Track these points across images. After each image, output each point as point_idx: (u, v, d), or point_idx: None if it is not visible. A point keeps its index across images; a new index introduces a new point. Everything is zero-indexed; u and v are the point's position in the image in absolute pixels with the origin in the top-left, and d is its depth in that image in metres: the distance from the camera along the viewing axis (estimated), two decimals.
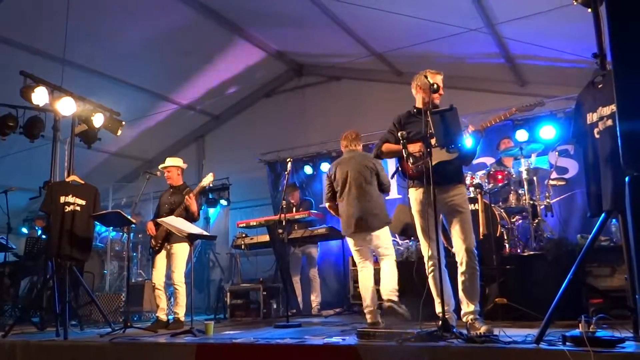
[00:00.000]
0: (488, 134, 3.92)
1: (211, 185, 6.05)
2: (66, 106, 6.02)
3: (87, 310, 6.65)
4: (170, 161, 5.90)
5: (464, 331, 3.31)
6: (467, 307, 3.67)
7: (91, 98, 6.59)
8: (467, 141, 3.81)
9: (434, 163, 3.66)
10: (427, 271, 3.78)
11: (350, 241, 5.04)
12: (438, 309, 3.59)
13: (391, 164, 8.19)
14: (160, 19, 7.33)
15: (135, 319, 6.92)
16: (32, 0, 6.36)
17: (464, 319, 3.67)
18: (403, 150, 3.76)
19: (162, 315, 5.54)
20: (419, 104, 4.01)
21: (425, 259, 3.79)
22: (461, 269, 3.71)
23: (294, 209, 7.45)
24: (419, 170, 3.76)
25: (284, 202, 5.74)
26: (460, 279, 3.72)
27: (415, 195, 3.90)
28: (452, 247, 3.96)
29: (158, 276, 5.57)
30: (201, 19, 7.51)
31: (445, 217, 3.86)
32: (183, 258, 5.57)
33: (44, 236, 7.92)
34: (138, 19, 7.21)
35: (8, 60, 6.94)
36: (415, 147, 3.81)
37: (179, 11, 7.23)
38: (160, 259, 5.61)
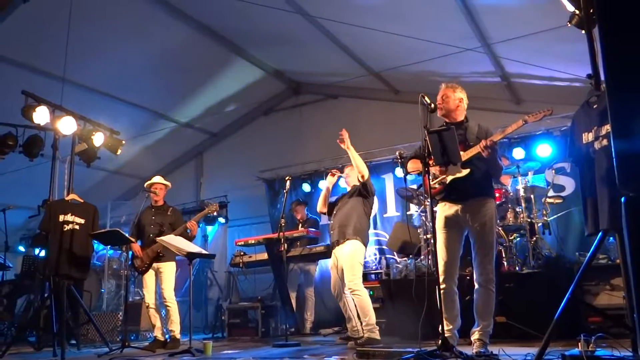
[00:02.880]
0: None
1: (215, 214, 6.14)
2: (67, 125, 6.06)
3: (85, 329, 6.60)
4: (160, 179, 5.93)
5: (465, 350, 3.30)
6: (476, 325, 3.65)
7: (90, 116, 6.63)
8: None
9: (448, 180, 3.71)
10: (438, 287, 3.74)
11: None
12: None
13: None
14: (160, 38, 7.41)
15: (132, 338, 6.87)
16: (33, 20, 6.42)
17: (472, 338, 3.66)
18: (402, 168, 3.87)
19: (159, 335, 5.51)
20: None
21: (439, 276, 3.76)
22: (476, 286, 3.69)
23: (300, 225, 7.45)
24: (429, 187, 3.77)
25: (282, 220, 5.75)
26: (475, 296, 3.70)
27: (441, 210, 3.85)
28: (462, 268, 3.93)
29: (150, 296, 5.56)
30: (200, 38, 7.59)
31: (469, 233, 3.79)
32: (172, 275, 5.60)
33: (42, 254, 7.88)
34: (137, 38, 7.29)
35: (9, 80, 6.99)
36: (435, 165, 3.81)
37: (178, 30, 7.32)
38: (150, 277, 5.61)
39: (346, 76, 8.48)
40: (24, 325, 6.56)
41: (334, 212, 5.38)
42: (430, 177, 3.84)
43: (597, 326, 3.99)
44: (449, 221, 3.76)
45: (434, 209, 3.95)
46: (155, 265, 5.58)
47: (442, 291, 3.67)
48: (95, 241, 6.18)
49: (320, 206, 5.55)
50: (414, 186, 6.47)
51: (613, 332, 3.27)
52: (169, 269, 5.59)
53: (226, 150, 10.72)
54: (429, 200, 3.99)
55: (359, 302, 4.93)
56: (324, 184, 5.82)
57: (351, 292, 4.96)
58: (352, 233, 5.05)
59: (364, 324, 4.91)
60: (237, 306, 7.14)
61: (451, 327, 3.62)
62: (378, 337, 4.86)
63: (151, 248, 5.53)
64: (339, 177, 5.65)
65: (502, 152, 6.76)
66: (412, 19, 6.33)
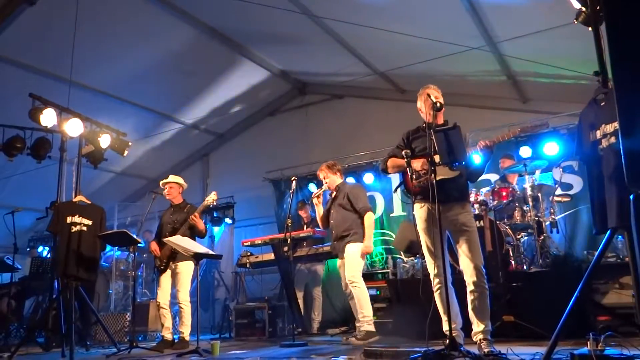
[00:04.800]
0: (494, 151, 3.90)
1: (215, 203, 6.06)
2: (74, 127, 6.10)
3: (93, 330, 6.64)
4: (173, 178, 5.94)
5: (472, 350, 3.29)
6: (477, 326, 3.62)
7: (97, 118, 6.67)
8: (476, 157, 3.81)
9: (437, 178, 3.69)
10: (433, 289, 3.76)
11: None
12: (445, 327, 3.57)
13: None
14: (165, 39, 7.44)
15: (140, 338, 6.90)
16: (41, 24, 6.47)
17: (474, 339, 3.64)
18: (407, 168, 3.79)
19: (167, 335, 5.52)
20: (426, 119, 3.97)
21: (432, 277, 3.78)
22: (470, 288, 3.67)
23: (305, 226, 7.45)
24: (421, 186, 3.76)
25: (289, 220, 5.74)
26: (469, 298, 3.68)
27: (419, 212, 3.89)
28: (458, 264, 3.95)
29: (163, 295, 5.57)
30: (205, 39, 7.61)
31: (451, 235, 3.82)
32: (188, 277, 5.58)
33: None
34: (143, 39, 7.32)
35: (16, 82, 7.05)
36: (418, 163, 3.82)
37: (184, 32, 7.35)
38: (166, 278, 5.61)
39: (352, 76, 8.48)
40: (33, 326, 6.60)
41: (330, 220, 5.58)
42: (414, 175, 3.82)
43: (606, 325, 3.97)
44: (430, 220, 3.74)
45: (413, 211, 4.00)
46: (172, 264, 5.58)
47: (437, 291, 3.67)
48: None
49: (323, 225, 5.80)
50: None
51: (622, 331, 3.25)
52: (185, 270, 5.55)
53: (232, 151, 10.75)
54: (412, 197, 4.01)
55: (357, 293, 5.20)
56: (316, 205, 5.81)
57: (350, 283, 5.21)
58: (352, 240, 5.34)
59: (361, 315, 5.16)
60: (244, 306, 7.16)
61: (454, 325, 3.61)
62: (373, 329, 5.13)
63: (167, 247, 5.53)
64: (324, 191, 5.77)
65: (508, 151, 6.74)
66: (417, 18, 6.32)
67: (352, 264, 5.29)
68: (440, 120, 3.90)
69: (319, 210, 5.73)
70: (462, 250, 3.72)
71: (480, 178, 4.08)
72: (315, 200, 5.75)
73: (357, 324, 5.35)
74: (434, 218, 3.61)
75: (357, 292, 5.22)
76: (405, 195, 4.08)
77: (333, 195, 5.67)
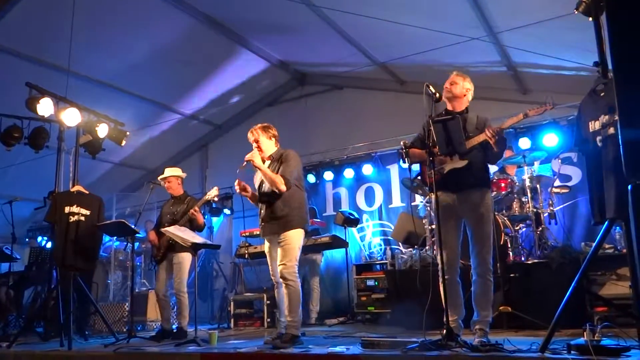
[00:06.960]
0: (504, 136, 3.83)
1: (216, 199, 6.04)
2: (71, 117, 6.05)
3: (92, 320, 6.66)
4: (169, 171, 5.89)
5: (469, 339, 3.30)
6: (477, 315, 3.63)
7: (95, 108, 6.63)
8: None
9: (446, 170, 3.69)
10: (439, 279, 3.72)
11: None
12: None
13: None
14: (164, 29, 7.39)
15: (139, 328, 6.92)
16: (38, 12, 6.42)
17: (472, 328, 3.65)
18: (406, 158, 3.82)
19: (166, 325, 5.54)
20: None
21: (440, 266, 3.75)
22: (474, 277, 3.67)
23: None
24: (433, 176, 3.74)
25: None
26: (472, 287, 3.68)
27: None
28: (466, 258, 3.92)
29: (161, 285, 5.58)
30: (204, 30, 7.56)
31: (467, 223, 3.78)
32: (186, 267, 5.58)
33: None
34: (142, 29, 7.27)
35: (13, 72, 7.01)
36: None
37: (182, 22, 7.30)
38: (163, 268, 5.62)
39: (351, 66, 8.43)
40: (32, 316, 6.61)
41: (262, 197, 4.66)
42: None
43: (603, 316, 3.99)
44: (446, 211, 3.71)
45: (429, 199, 3.94)
46: (170, 255, 5.58)
47: (443, 281, 3.67)
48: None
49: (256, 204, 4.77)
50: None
51: (619, 322, 3.26)
52: (183, 260, 5.53)
53: (231, 141, 10.69)
54: (427, 189, 3.96)
55: (290, 293, 4.42)
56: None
57: (285, 280, 4.40)
58: (296, 223, 4.46)
59: (289, 318, 4.45)
60: (242, 297, 7.18)
61: (455, 317, 3.61)
62: (299, 334, 4.48)
63: (165, 237, 5.53)
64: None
65: (507, 142, 6.73)
66: (417, 8, 6.27)
67: (289, 255, 4.34)
68: (459, 108, 3.83)
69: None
70: (474, 240, 3.71)
71: None
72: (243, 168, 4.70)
73: (283, 323, 4.56)
74: (449, 208, 3.67)
75: (291, 291, 4.34)
76: (425, 185, 4.07)
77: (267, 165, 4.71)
